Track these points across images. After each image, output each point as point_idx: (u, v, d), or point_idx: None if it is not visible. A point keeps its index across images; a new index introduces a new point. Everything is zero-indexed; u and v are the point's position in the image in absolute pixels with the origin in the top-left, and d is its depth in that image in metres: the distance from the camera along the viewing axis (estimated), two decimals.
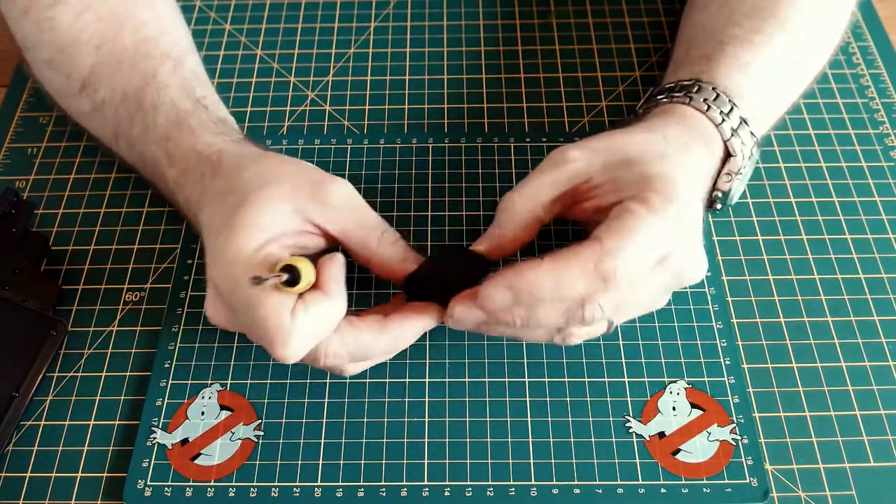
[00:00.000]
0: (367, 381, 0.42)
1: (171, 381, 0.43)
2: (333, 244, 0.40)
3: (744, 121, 0.41)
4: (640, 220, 0.35)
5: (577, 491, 0.39)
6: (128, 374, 0.43)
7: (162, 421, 0.41)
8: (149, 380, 0.43)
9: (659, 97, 0.43)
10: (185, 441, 0.41)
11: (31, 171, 0.51)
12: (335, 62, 0.57)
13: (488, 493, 0.39)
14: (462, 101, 0.54)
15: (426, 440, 0.41)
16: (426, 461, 0.40)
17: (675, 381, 0.42)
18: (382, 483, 0.40)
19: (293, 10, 0.60)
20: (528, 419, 0.41)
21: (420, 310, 0.38)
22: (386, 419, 0.41)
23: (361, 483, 0.40)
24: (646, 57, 0.56)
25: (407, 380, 0.43)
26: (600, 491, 0.39)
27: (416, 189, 0.50)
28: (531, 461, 0.40)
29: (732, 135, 0.41)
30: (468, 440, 0.41)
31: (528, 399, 0.42)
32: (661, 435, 0.41)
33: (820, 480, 0.39)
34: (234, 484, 0.39)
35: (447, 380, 0.42)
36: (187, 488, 0.39)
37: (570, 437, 0.41)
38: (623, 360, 0.43)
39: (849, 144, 0.51)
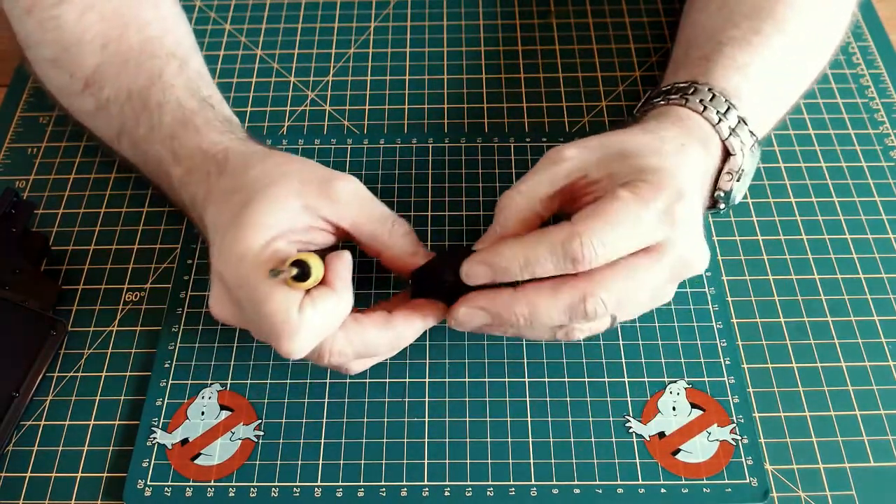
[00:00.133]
0: (367, 381, 0.42)
1: (171, 381, 0.43)
2: (343, 239, 0.40)
3: (742, 120, 0.41)
4: (621, 204, 0.34)
5: (577, 491, 0.39)
6: (128, 374, 0.43)
7: (162, 421, 0.41)
8: (149, 380, 0.43)
9: (655, 100, 0.43)
10: (185, 441, 0.41)
11: (31, 171, 0.51)
12: (335, 62, 0.57)
13: (488, 493, 0.39)
14: (462, 101, 0.54)
15: (426, 440, 0.41)
16: (426, 461, 0.40)
17: (675, 381, 0.42)
18: (382, 483, 0.40)
19: (293, 10, 0.60)
20: (528, 419, 0.41)
21: (424, 307, 0.39)
22: (386, 419, 0.41)
23: (361, 483, 0.40)
24: (646, 57, 0.56)
25: (407, 380, 0.43)
26: (600, 491, 0.39)
27: (416, 189, 0.50)
28: (531, 461, 0.40)
29: (731, 134, 0.41)
30: (468, 440, 0.41)
31: (528, 399, 0.42)
32: (661, 435, 0.41)
33: (820, 480, 0.39)
34: (234, 484, 0.39)
35: (447, 380, 0.42)
36: (187, 488, 0.39)
37: (570, 437, 0.41)
38: (623, 360, 0.43)
39: (849, 144, 0.51)
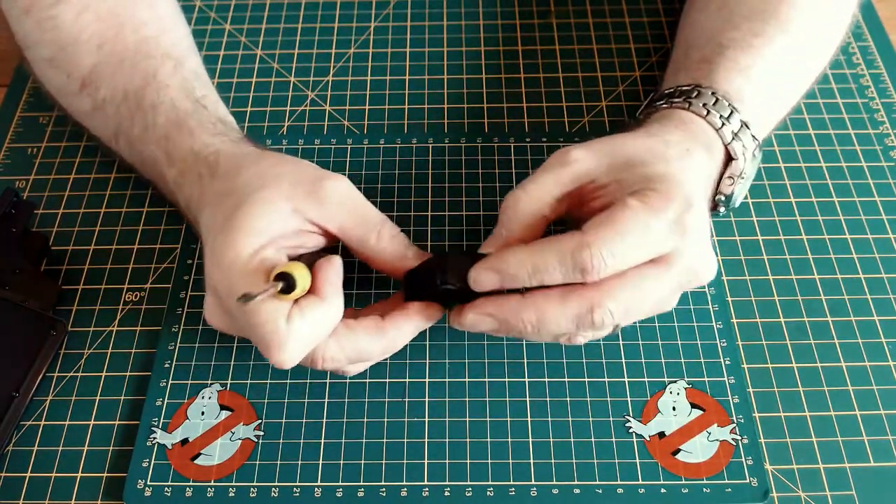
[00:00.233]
0: (367, 381, 0.42)
1: (171, 381, 0.43)
2: (334, 242, 0.40)
3: (745, 124, 0.41)
4: (631, 214, 0.34)
5: (577, 491, 0.39)
6: (128, 374, 0.43)
7: (162, 421, 0.41)
8: (149, 380, 0.43)
9: (658, 102, 0.43)
10: (185, 441, 0.41)
11: (31, 171, 0.51)
12: (335, 62, 0.57)
13: (488, 493, 0.39)
14: (462, 101, 0.54)
15: (426, 440, 0.41)
16: (426, 461, 0.40)
17: (675, 381, 0.42)
18: (382, 483, 0.40)
19: (293, 10, 0.60)
20: (528, 419, 0.41)
21: (417, 311, 0.38)
22: (386, 419, 0.41)
23: (361, 483, 0.40)
24: (646, 57, 0.56)
25: (407, 380, 0.43)
26: (600, 491, 0.39)
27: (416, 189, 0.50)
28: (531, 461, 0.40)
29: (733, 139, 0.41)
30: (468, 440, 0.41)
31: (528, 399, 0.42)
32: (661, 435, 0.41)
33: (820, 480, 0.39)
34: (234, 484, 0.39)
35: (447, 380, 0.42)
36: (187, 488, 0.39)
37: (570, 437, 0.41)
38: (623, 360, 0.43)
39: (849, 144, 0.51)
